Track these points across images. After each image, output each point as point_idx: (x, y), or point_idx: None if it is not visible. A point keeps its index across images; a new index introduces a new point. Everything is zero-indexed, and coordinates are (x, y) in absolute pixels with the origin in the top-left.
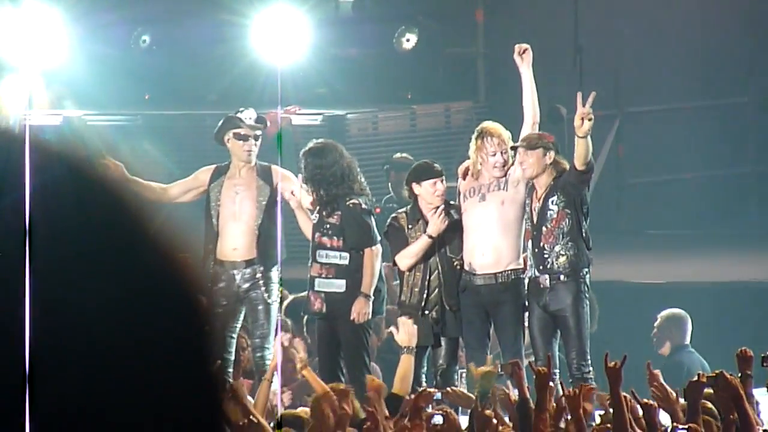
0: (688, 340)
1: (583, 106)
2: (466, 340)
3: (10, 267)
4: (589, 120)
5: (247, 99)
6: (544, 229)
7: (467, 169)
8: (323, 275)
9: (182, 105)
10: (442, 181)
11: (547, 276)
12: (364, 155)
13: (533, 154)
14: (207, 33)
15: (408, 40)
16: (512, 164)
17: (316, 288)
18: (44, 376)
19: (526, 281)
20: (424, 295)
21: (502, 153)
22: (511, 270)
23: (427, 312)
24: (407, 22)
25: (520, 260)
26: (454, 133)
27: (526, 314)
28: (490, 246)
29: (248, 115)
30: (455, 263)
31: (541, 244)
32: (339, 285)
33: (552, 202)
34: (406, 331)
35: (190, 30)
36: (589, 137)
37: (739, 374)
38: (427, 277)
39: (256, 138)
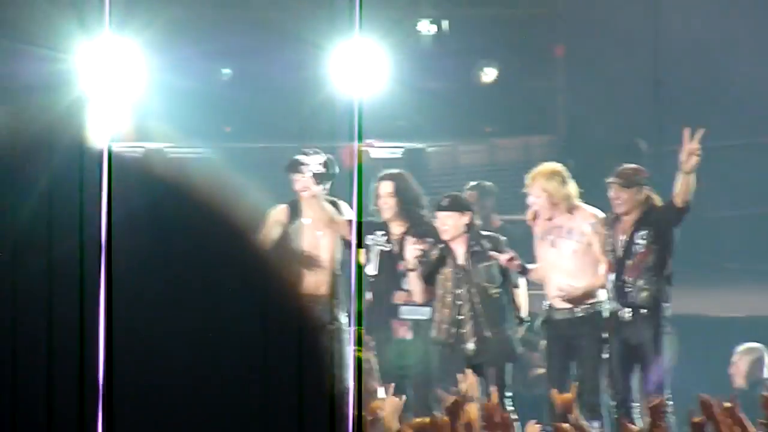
0: (766, 374)
1: (690, 141)
2: (547, 371)
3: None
4: (697, 156)
5: (326, 132)
6: (628, 262)
7: (535, 212)
8: (408, 302)
9: (262, 137)
10: (448, 218)
11: (628, 309)
12: (443, 188)
13: (629, 192)
14: (287, 66)
15: (487, 74)
16: (569, 212)
17: (401, 315)
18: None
19: (606, 314)
20: (454, 331)
21: (536, 197)
22: (589, 304)
23: (461, 346)
24: (487, 55)
25: (600, 293)
26: (533, 167)
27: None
28: (566, 288)
29: (312, 159)
30: (493, 292)
31: (624, 277)
32: (425, 312)
33: (641, 236)
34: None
35: (270, 63)
36: (694, 174)
37: None
38: (456, 312)
39: (315, 175)
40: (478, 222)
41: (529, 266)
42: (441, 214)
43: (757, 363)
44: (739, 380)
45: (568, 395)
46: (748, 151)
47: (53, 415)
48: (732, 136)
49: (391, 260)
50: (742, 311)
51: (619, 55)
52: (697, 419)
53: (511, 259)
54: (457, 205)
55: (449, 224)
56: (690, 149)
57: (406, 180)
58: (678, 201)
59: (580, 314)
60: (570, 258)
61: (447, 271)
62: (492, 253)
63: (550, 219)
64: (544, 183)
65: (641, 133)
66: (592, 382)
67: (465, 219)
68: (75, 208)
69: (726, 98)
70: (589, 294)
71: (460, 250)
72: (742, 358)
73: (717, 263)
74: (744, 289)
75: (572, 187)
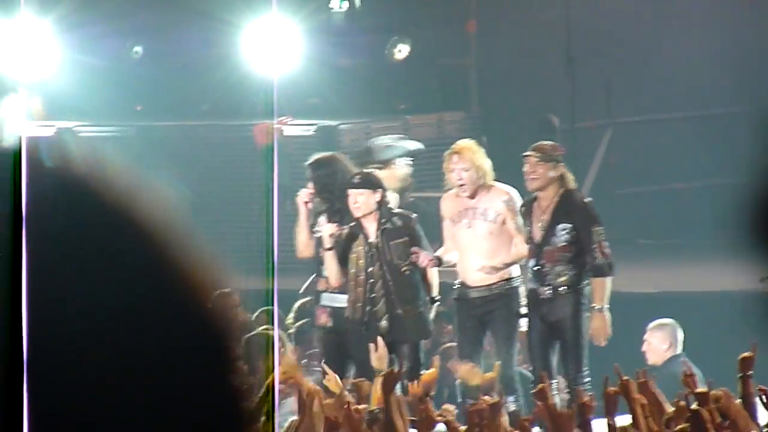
0: (680, 349)
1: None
2: (459, 346)
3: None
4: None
5: (239, 109)
6: (547, 248)
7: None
8: (329, 290)
9: (174, 116)
10: (358, 195)
11: (547, 287)
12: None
13: (545, 166)
14: (199, 43)
15: (400, 51)
16: (485, 190)
17: (322, 302)
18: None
19: (524, 291)
20: (367, 309)
21: (460, 170)
22: (505, 280)
23: (375, 324)
24: (400, 32)
25: (513, 270)
26: (447, 144)
27: (523, 322)
28: (481, 266)
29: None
30: (404, 269)
31: (542, 262)
32: (344, 299)
33: (563, 230)
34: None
35: (182, 41)
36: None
37: (740, 375)
38: (370, 290)
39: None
40: (388, 199)
41: (443, 256)
42: (352, 192)
43: (670, 338)
44: (652, 357)
45: (492, 374)
46: (659, 126)
47: None
48: (643, 111)
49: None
50: (655, 287)
51: (532, 30)
52: (611, 389)
53: (430, 261)
54: (368, 183)
55: (360, 201)
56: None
57: (329, 163)
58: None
59: (496, 290)
60: (486, 239)
61: (359, 250)
62: (414, 254)
63: (472, 197)
64: (473, 156)
65: (553, 109)
66: (507, 356)
67: (376, 196)
68: None
69: (638, 74)
70: (505, 271)
71: (371, 227)
72: (653, 334)
73: (630, 239)
74: (657, 265)
75: (490, 164)
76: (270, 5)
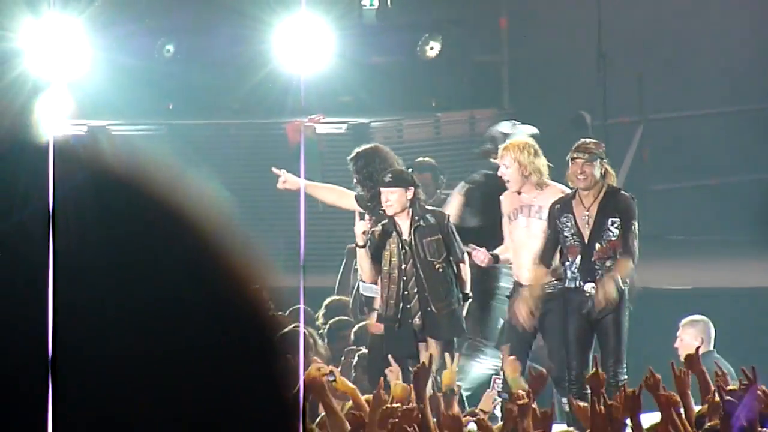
0: (712, 346)
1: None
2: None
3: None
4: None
5: (270, 108)
6: (597, 246)
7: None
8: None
9: (205, 114)
10: (390, 194)
11: (592, 284)
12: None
13: (591, 166)
14: (230, 42)
15: (432, 48)
16: (540, 188)
17: (362, 291)
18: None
19: (564, 290)
20: (400, 306)
21: (504, 167)
22: (557, 280)
23: (409, 321)
24: (431, 29)
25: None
26: (480, 141)
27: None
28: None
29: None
30: (437, 266)
31: (593, 259)
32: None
33: (612, 223)
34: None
35: (213, 39)
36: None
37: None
38: (403, 287)
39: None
40: (422, 196)
41: (500, 255)
42: (384, 190)
43: (703, 335)
44: (685, 353)
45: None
46: (691, 122)
47: None
48: (675, 107)
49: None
50: (687, 283)
51: (563, 27)
52: (630, 390)
53: (488, 259)
54: (400, 181)
55: (392, 200)
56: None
57: (370, 155)
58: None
59: (549, 290)
60: (540, 237)
61: (392, 247)
62: (469, 251)
63: (519, 192)
64: (517, 154)
65: (586, 106)
66: (560, 357)
67: (409, 194)
68: (18, 188)
69: (670, 71)
70: (557, 271)
71: (404, 225)
72: (685, 330)
73: (661, 235)
74: (688, 262)
75: (543, 162)
76: (300, 3)
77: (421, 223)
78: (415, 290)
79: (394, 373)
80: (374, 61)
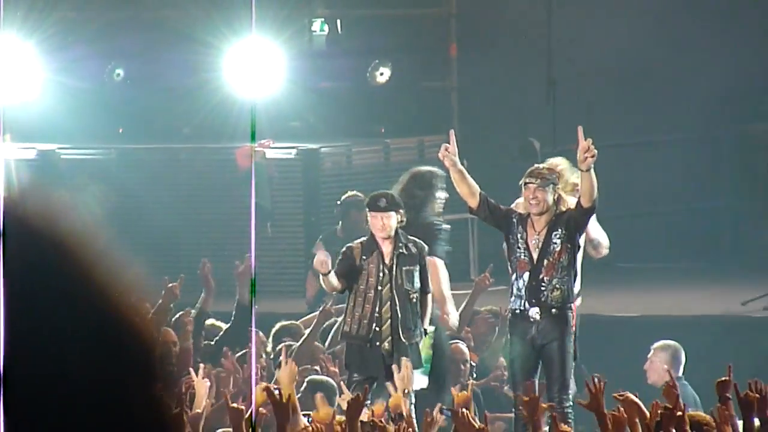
0: (681, 372)
1: (585, 139)
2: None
3: None
4: (592, 154)
5: (221, 132)
6: (545, 261)
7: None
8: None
9: (156, 138)
10: (385, 218)
11: (537, 309)
12: (337, 189)
13: (544, 191)
14: (180, 66)
15: (382, 74)
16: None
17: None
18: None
19: (510, 315)
20: (374, 327)
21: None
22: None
23: (378, 344)
24: (381, 55)
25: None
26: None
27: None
28: None
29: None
30: (411, 296)
31: (540, 276)
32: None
33: (555, 235)
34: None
35: (163, 64)
36: (593, 171)
37: (719, 398)
38: (378, 309)
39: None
40: (404, 222)
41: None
42: (379, 215)
43: (673, 360)
44: (653, 376)
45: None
46: (640, 149)
47: None
48: (624, 135)
49: None
50: (636, 310)
51: (513, 54)
52: (579, 402)
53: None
54: (395, 204)
55: (389, 223)
56: (583, 147)
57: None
58: (584, 201)
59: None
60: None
61: (371, 267)
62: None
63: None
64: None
65: (535, 133)
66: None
67: (399, 217)
68: None
69: (619, 97)
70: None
71: (386, 249)
72: (656, 354)
73: (610, 263)
74: (638, 289)
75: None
76: (250, 29)
77: (403, 250)
78: (389, 315)
79: (344, 399)
80: (324, 87)
